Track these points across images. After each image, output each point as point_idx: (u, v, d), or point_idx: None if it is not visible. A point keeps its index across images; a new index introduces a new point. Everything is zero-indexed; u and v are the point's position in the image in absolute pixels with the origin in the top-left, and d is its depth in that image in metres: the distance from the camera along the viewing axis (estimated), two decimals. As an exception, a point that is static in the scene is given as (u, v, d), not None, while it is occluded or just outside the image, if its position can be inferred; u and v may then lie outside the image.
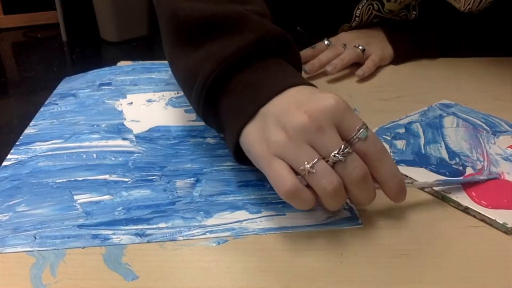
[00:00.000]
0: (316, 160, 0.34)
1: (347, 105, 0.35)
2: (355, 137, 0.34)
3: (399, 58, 0.69)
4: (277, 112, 0.36)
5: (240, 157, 0.40)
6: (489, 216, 0.38)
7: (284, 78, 0.40)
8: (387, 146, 0.47)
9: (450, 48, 0.71)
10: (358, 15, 0.70)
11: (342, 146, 0.34)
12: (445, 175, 0.43)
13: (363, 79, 0.65)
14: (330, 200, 0.35)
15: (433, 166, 0.44)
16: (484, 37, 0.72)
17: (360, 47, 0.66)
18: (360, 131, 0.34)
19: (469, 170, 0.43)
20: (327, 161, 0.34)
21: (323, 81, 0.66)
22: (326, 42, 0.69)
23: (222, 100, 0.41)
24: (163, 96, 0.60)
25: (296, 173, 0.34)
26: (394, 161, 0.37)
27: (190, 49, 0.43)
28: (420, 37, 0.70)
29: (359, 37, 0.69)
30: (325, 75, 0.66)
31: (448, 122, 0.52)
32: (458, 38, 0.71)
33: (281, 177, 0.34)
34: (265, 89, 0.38)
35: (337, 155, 0.33)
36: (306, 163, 0.34)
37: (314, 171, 0.33)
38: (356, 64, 0.67)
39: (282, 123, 0.35)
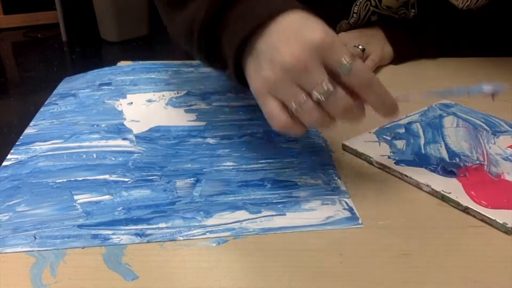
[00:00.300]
0: (302, 99, 0.36)
1: (333, 39, 0.36)
2: (340, 72, 0.36)
3: (399, 57, 0.69)
4: (267, 50, 0.37)
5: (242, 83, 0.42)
6: (489, 216, 0.38)
7: (274, 2, 0.40)
8: (387, 146, 0.47)
9: (450, 48, 0.71)
10: (356, 11, 0.70)
11: (324, 84, 0.35)
12: (445, 173, 0.43)
13: (363, 79, 0.65)
14: (319, 128, 0.39)
15: (433, 166, 0.44)
16: (483, 36, 0.71)
17: (360, 47, 0.66)
18: (342, 66, 0.35)
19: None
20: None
21: (323, 81, 0.65)
22: (326, 42, 0.69)
23: (221, 37, 0.42)
24: (163, 96, 0.60)
25: None
26: (383, 87, 0.38)
27: (182, 5, 0.45)
28: (419, 37, 0.70)
29: (358, 37, 0.69)
30: (325, 75, 0.66)
31: (448, 122, 0.52)
32: (458, 37, 0.71)
33: (274, 115, 0.37)
34: (259, 12, 0.39)
35: (319, 96, 0.35)
36: (293, 102, 0.36)
37: (300, 109, 0.36)
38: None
39: (272, 61, 0.36)
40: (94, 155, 0.47)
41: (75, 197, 0.41)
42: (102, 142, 0.50)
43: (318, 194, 0.41)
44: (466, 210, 0.39)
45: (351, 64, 0.35)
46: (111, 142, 0.50)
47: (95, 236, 0.37)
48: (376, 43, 0.68)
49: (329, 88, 0.35)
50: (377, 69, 0.67)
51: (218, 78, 0.65)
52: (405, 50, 0.69)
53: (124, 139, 0.50)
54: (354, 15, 0.70)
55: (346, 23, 0.72)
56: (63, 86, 0.65)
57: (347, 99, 0.36)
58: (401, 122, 0.52)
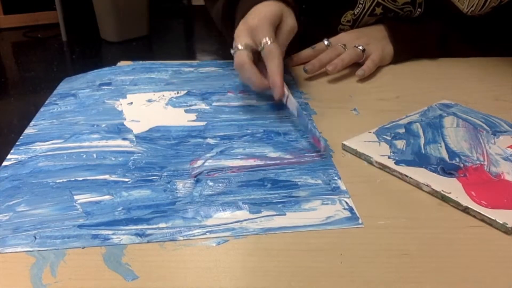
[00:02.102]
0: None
1: (261, 23, 0.55)
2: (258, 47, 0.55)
3: (399, 56, 0.69)
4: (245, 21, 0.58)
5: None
6: (489, 216, 0.38)
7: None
8: (387, 146, 0.47)
9: (452, 49, 0.71)
10: (361, 2, 0.70)
11: (239, 45, 0.55)
12: (445, 173, 0.43)
13: (363, 79, 0.65)
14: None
15: (433, 166, 0.44)
16: (485, 39, 0.71)
17: (360, 47, 0.66)
18: (260, 44, 0.55)
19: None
20: None
21: (324, 81, 0.66)
22: (326, 42, 0.70)
23: (235, 16, 0.63)
24: (163, 96, 0.60)
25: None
26: (282, 66, 0.54)
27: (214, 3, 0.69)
28: (422, 37, 0.70)
29: (358, 37, 0.69)
30: (325, 75, 0.66)
31: (448, 122, 0.52)
32: (460, 39, 0.71)
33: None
34: (248, 5, 0.59)
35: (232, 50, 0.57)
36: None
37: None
38: (356, 65, 0.67)
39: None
40: (94, 155, 0.47)
41: (75, 197, 0.41)
42: (102, 142, 0.50)
43: (318, 194, 0.41)
44: (466, 210, 0.39)
45: (266, 46, 0.55)
46: (111, 142, 0.50)
47: (95, 236, 0.37)
48: (377, 44, 0.68)
49: (237, 49, 0.55)
50: (377, 69, 0.67)
51: (218, 78, 0.65)
52: (406, 50, 0.69)
53: (124, 139, 0.50)
54: (360, 5, 0.70)
55: (351, 13, 0.72)
56: (63, 86, 0.65)
57: (241, 59, 0.54)
58: (401, 122, 0.52)
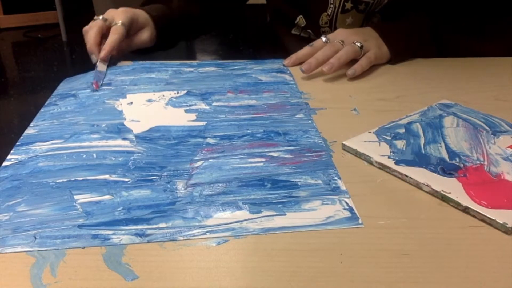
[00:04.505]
0: None
1: (123, 12, 0.71)
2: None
3: (395, 57, 0.69)
4: None
5: None
6: (489, 216, 0.38)
7: None
8: (387, 146, 0.47)
9: (443, 38, 0.71)
10: (332, 2, 0.71)
11: (100, 17, 0.71)
12: (445, 173, 0.43)
13: (363, 79, 0.65)
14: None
15: (433, 166, 0.44)
16: (472, 23, 0.72)
17: (358, 44, 0.66)
18: (112, 22, 0.70)
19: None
20: None
21: (324, 81, 0.66)
22: (323, 39, 0.69)
23: None
24: (163, 96, 0.60)
25: None
26: (115, 43, 0.68)
27: None
28: (414, 35, 0.70)
29: (356, 33, 0.69)
30: (325, 75, 0.66)
31: (448, 122, 0.52)
32: (447, 26, 0.71)
33: None
34: None
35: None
36: None
37: None
38: (355, 62, 0.66)
39: None
40: (94, 155, 0.47)
41: (75, 197, 0.41)
42: (102, 142, 0.50)
43: (318, 194, 0.41)
44: (466, 210, 0.39)
45: (115, 24, 0.70)
46: (111, 142, 0.50)
47: (95, 236, 0.37)
48: (374, 42, 0.68)
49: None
50: (377, 69, 0.67)
51: (218, 78, 0.65)
52: (400, 50, 0.69)
53: (124, 139, 0.50)
54: (331, 5, 0.71)
55: (325, 15, 0.73)
56: (63, 87, 0.65)
57: (92, 24, 0.70)
58: (401, 122, 0.52)
